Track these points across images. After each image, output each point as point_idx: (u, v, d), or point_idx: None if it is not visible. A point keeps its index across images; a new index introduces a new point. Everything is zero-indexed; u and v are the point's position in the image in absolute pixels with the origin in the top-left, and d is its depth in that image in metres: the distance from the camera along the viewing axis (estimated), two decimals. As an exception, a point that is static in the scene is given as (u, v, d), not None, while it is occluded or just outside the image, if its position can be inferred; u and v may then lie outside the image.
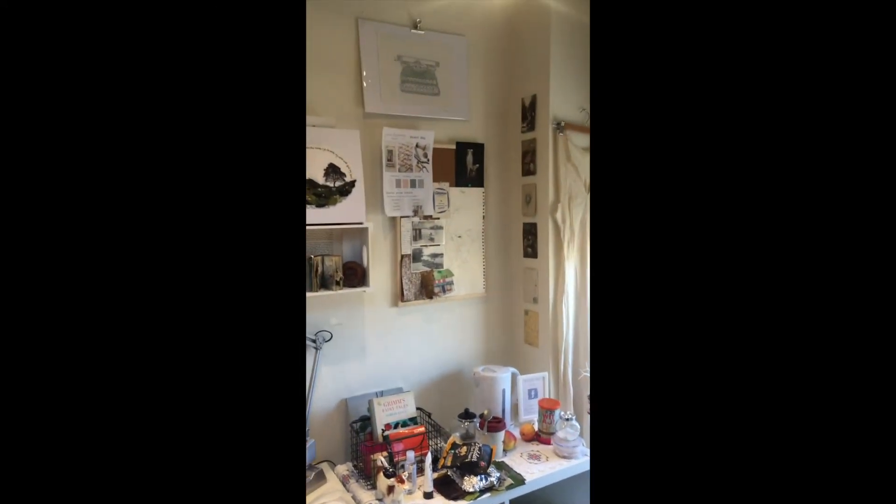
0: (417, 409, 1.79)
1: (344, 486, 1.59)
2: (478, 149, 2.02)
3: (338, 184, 1.68)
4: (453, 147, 1.97)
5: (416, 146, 1.87)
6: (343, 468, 1.69)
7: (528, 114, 1.96)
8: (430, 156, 1.89)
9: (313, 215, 1.62)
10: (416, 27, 1.85)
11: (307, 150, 1.62)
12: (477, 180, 2.03)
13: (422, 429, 1.68)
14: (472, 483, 1.52)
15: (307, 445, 1.52)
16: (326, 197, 1.65)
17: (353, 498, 1.53)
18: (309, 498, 1.51)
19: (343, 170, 1.68)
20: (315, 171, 1.63)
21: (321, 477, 1.62)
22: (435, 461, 1.60)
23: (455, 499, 1.49)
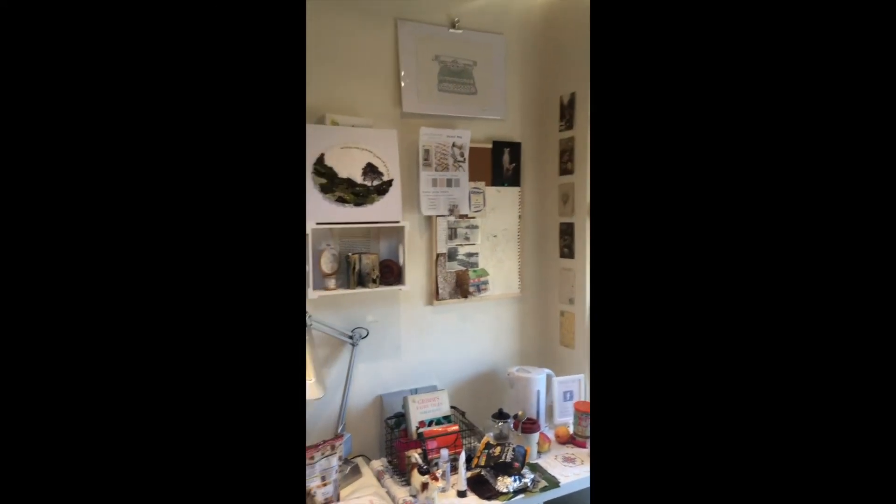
0: (451, 407, 1.79)
1: (379, 481, 1.62)
2: (514, 148, 2.00)
3: (375, 183, 1.70)
4: (490, 146, 1.96)
5: (453, 145, 1.87)
6: (378, 463, 1.71)
7: (567, 112, 1.93)
8: (466, 155, 1.89)
9: (351, 214, 1.65)
10: (454, 27, 1.85)
11: (346, 150, 1.65)
12: (513, 179, 2.01)
13: (455, 427, 1.68)
14: (505, 483, 1.51)
15: (344, 440, 1.55)
16: (364, 196, 1.68)
17: (388, 493, 1.54)
18: (345, 491, 1.54)
19: (381, 169, 1.71)
20: (354, 170, 1.66)
21: (357, 471, 1.65)
22: (468, 460, 1.60)
23: (489, 498, 1.49)
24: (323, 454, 1.46)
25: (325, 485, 1.47)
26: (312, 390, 1.38)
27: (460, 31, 1.86)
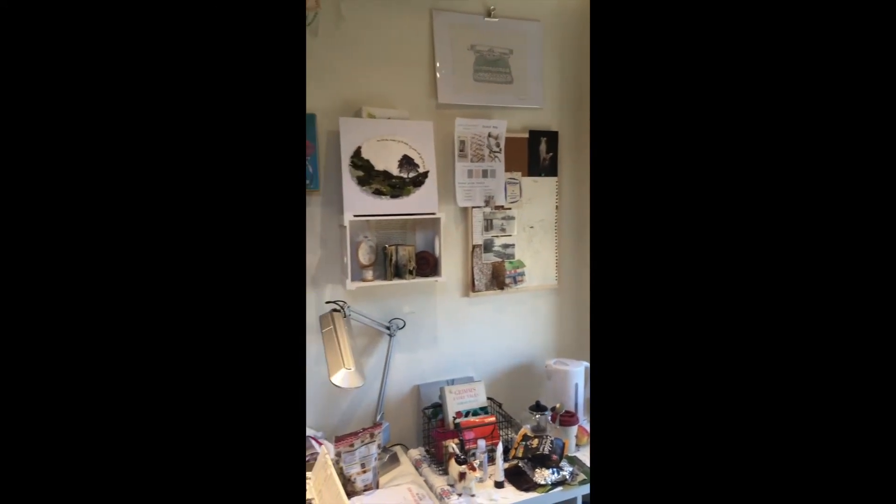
0: (488, 398, 1.79)
1: (416, 469, 1.64)
2: (551, 137, 1.97)
3: (411, 175, 1.71)
4: (526, 136, 1.93)
5: (489, 136, 1.86)
6: (415, 452, 1.73)
7: (606, 99, 1.88)
8: (502, 145, 1.87)
9: (387, 206, 1.67)
10: (489, 15, 1.82)
11: (382, 142, 1.66)
12: (550, 169, 1.98)
13: (492, 418, 1.68)
14: (543, 475, 1.50)
15: (382, 428, 1.58)
16: (400, 188, 1.69)
17: (426, 482, 1.56)
18: (384, 479, 1.57)
19: (416, 161, 1.71)
20: (390, 162, 1.67)
21: (395, 459, 1.67)
22: (506, 451, 1.60)
23: (526, 490, 1.48)
24: (363, 442, 1.49)
25: (364, 472, 1.50)
26: (352, 379, 1.41)
27: (496, 20, 1.84)
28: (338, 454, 1.45)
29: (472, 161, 1.85)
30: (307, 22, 1.60)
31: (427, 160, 1.72)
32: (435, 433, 1.67)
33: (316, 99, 1.63)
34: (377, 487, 1.53)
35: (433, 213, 1.71)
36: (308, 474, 1.23)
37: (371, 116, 1.66)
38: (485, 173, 1.87)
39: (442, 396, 1.73)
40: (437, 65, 1.77)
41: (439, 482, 1.54)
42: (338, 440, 1.46)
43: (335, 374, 1.40)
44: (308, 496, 1.12)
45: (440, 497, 1.47)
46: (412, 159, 1.71)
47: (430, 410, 1.77)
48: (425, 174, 1.72)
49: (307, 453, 1.53)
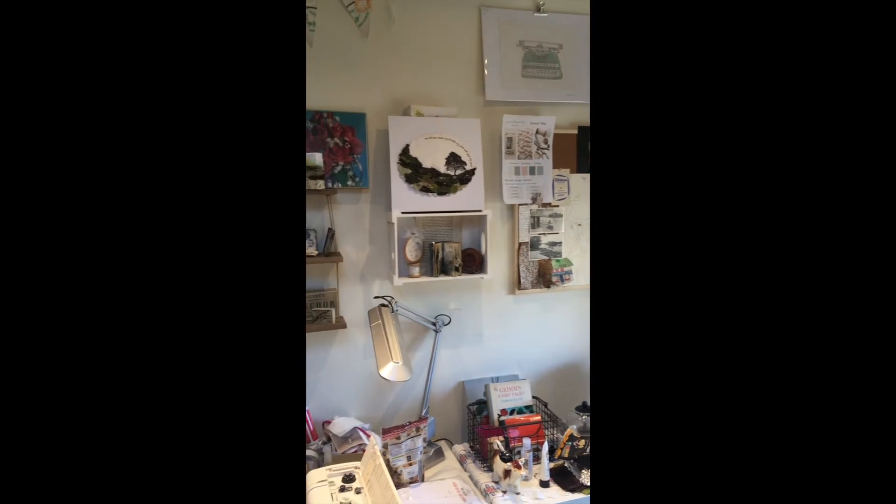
0: (533, 397, 1.78)
1: (461, 464, 1.65)
2: (601, 133, 1.92)
3: (458, 172, 1.71)
4: (575, 132, 1.90)
5: (537, 132, 1.84)
6: (460, 448, 1.75)
7: (659, 92, 1.82)
8: (550, 142, 1.85)
9: (434, 203, 1.68)
10: (538, 10, 1.81)
11: (430, 140, 1.68)
12: (599, 166, 1.94)
13: (538, 417, 1.67)
14: (590, 477, 1.47)
15: (428, 422, 1.60)
16: (447, 185, 1.70)
17: (470, 477, 1.57)
18: (428, 472, 1.59)
19: (463, 158, 1.72)
20: (437, 159, 1.69)
21: (440, 454, 1.69)
22: (551, 451, 1.58)
23: (572, 490, 1.46)
24: (409, 435, 1.52)
25: (410, 464, 1.53)
26: (400, 372, 1.44)
27: (545, 15, 1.82)
28: (385, 446, 1.48)
29: (519, 158, 1.83)
30: (358, 23, 1.64)
31: (474, 157, 1.72)
32: (479, 430, 1.68)
33: (366, 98, 1.67)
34: (422, 481, 1.55)
35: (479, 211, 1.71)
36: (357, 464, 1.27)
37: (419, 114, 1.69)
38: (532, 170, 1.85)
39: (487, 393, 1.73)
40: (486, 62, 1.77)
41: (484, 478, 1.54)
42: (385, 432, 1.49)
43: (384, 368, 1.43)
44: (357, 485, 1.16)
45: (485, 493, 1.48)
46: (459, 157, 1.71)
47: (475, 407, 1.77)
48: (472, 171, 1.72)
49: (355, 444, 1.58)
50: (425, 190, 1.68)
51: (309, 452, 1.55)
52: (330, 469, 1.23)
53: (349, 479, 1.16)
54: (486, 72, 1.78)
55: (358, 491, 1.13)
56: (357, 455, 1.51)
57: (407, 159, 1.66)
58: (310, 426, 1.64)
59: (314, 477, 1.21)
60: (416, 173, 1.67)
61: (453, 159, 1.71)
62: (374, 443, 1.24)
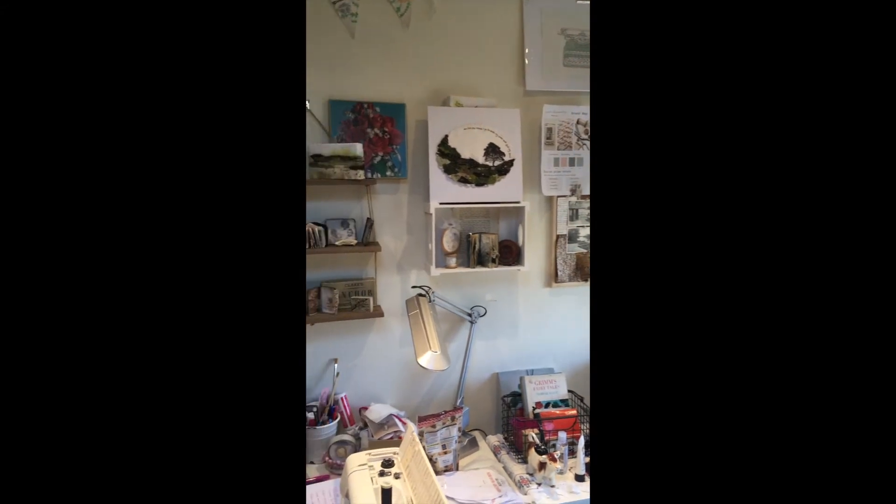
0: (569, 391, 1.77)
1: (495, 455, 1.65)
2: (644, 123, 1.87)
3: (497, 163, 1.70)
4: (616, 122, 1.85)
5: (577, 122, 1.81)
6: (494, 439, 1.75)
7: (707, 81, 1.76)
8: (590, 132, 1.81)
9: (472, 194, 1.68)
10: (581, -3, 1.77)
11: (469, 131, 1.67)
12: (641, 157, 1.89)
13: (574, 412, 1.66)
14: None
15: (463, 412, 1.61)
16: (486, 176, 1.69)
17: (505, 468, 1.57)
18: (463, 461, 1.60)
19: (502, 149, 1.71)
20: (476, 150, 1.68)
21: (474, 444, 1.70)
22: (587, 446, 1.57)
23: (609, 487, 1.45)
24: (444, 424, 1.53)
25: (445, 453, 1.54)
26: (438, 361, 1.45)
27: (587, 2, 1.77)
28: (420, 433, 1.50)
29: (558, 149, 1.81)
30: (399, 14, 1.64)
31: (513, 148, 1.71)
32: (514, 421, 1.68)
33: (405, 89, 1.67)
34: (457, 469, 1.56)
35: (517, 202, 1.70)
36: (395, 450, 1.29)
37: (458, 105, 1.68)
38: (571, 161, 1.82)
39: (522, 386, 1.72)
40: (526, 51, 1.75)
41: (518, 470, 1.54)
42: (421, 420, 1.51)
43: (422, 356, 1.45)
44: (396, 470, 1.18)
45: (519, 484, 1.48)
46: (498, 147, 1.70)
47: (510, 398, 1.77)
48: (511, 162, 1.71)
49: (390, 431, 1.60)
50: (463, 181, 1.68)
51: (346, 437, 1.58)
52: (369, 454, 1.26)
53: (388, 464, 1.18)
54: (526, 61, 1.75)
55: (397, 476, 1.15)
56: (393, 441, 1.54)
57: (445, 150, 1.66)
58: (347, 411, 1.68)
59: (354, 461, 1.24)
60: (455, 164, 1.67)
61: (492, 150, 1.70)
62: (412, 429, 1.26)
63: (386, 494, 1.05)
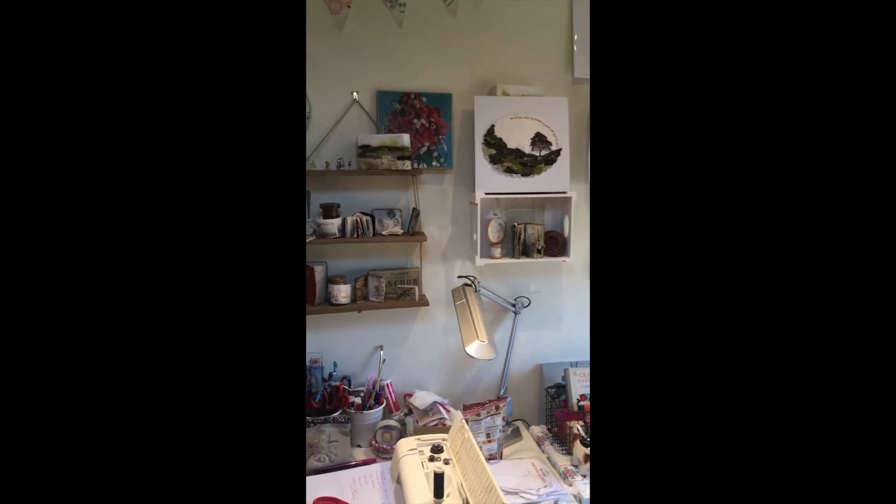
0: (614, 384, 1.74)
1: (538, 446, 1.65)
2: (696, 111, 1.81)
3: (543, 152, 1.69)
4: (667, 110, 1.80)
5: (626, 111, 1.76)
6: (537, 429, 1.75)
7: (766, 66, 1.68)
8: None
9: (518, 184, 1.67)
10: (633, -19, 1.71)
11: (516, 120, 1.66)
12: (693, 146, 1.83)
13: (619, 405, 1.64)
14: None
15: (507, 402, 1.61)
16: (532, 166, 1.68)
17: (549, 459, 1.58)
18: (506, 451, 1.61)
19: (549, 138, 1.69)
20: (522, 140, 1.67)
21: (517, 434, 1.71)
22: (634, 439, 1.55)
23: (657, 481, 1.43)
24: (488, 413, 1.54)
25: (489, 441, 1.55)
26: (485, 351, 1.46)
27: (640, -15, 1.72)
28: (464, 421, 1.51)
29: (606, 138, 1.77)
30: (447, 3, 1.63)
31: (560, 138, 1.68)
32: (559, 413, 1.67)
33: (452, 79, 1.67)
34: (500, 458, 1.57)
35: (564, 192, 1.68)
36: (444, 436, 1.31)
37: (505, 94, 1.67)
38: (620, 151, 1.78)
39: (566, 378, 1.71)
40: (575, 38, 1.71)
41: (562, 461, 1.54)
42: (465, 408, 1.53)
43: (469, 345, 1.46)
44: (445, 456, 1.20)
45: (564, 476, 1.48)
46: (545, 137, 1.68)
47: (554, 390, 1.76)
48: (557, 152, 1.69)
49: (435, 418, 1.63)
50: (509, 171, 1.67)
51: (392, 422, 1.62)
52: (419, 439, 1.28)
53: (437, 449, 1.20)
54: (574, 48, 1.72)
55: (446, 462, 1.17)
56: (438, 428, 1.56)
57: (492, 140, 1.66)
58: (392, 398, 1.71)
59: (404, 445, 1.27)
60: (501, 154, 1.66)
61: (539, 139, 1.68)
62: (461, 418, 1.27)
63: (438, 479, 1.07)
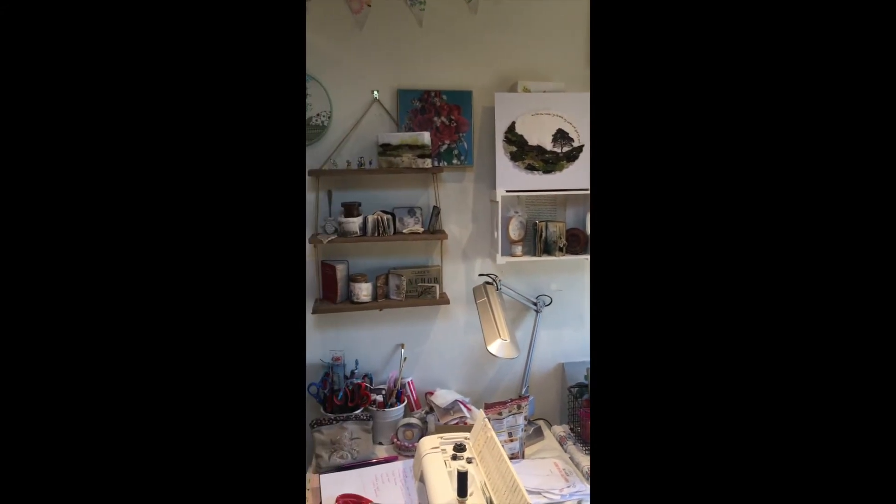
0: (638, 384, 1.72)
1: (561, 445, 1.64)
2: (722, 105, 1.77)
3: (565, 149, 1.67)
4: (692, 105, 1.76)
5: (650, 106, 1.73)
6: (559, 429, 1.74)
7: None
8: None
9: (540, 181, 1.65)
10: (657, -27, 1.68)
11: (537, 117, 1.64)
12: (719, 141, 1.79)
13: (644, 405, 1.61)
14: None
15: (529, 401, 1.60)
16: (553, 163, 1.66)
17: (571, 459, 1.56)
18: (528, 450, 1.60)
19: (571, 135, 1.66)
20: (544, 136, 1.65)
21: (539, 433, 1.69)
22: (659, 440, 1.53)
23: (683, 483, 1.40)
24: (510, 411, 1.53)
25: (511, 441, 1.54)
26: (508, 349, 1.45)
27: (664, -23, 1.69)
28: (487, 420, 1.51)
29: (629, 134, 1.74)
30: (467, 0, 1.63)
31: (582, 134, 1.66)
32: (582, 413, 1.66)
33: (472, 76, 1.66)
34: (523, 457, 1.57)
35: (586, 190, 1.66)
36: (466, 435, 1.31)
37: (526, 90, 1.65)
38: (643, 147, 1.75)
39: (588, 377, 1.69)
40: (597, 32, 1.69)
41: (585, 461, 1.52)
42: (487, 407, 1.52)
43: (492, 344, 1.45)
44: (468, 455, 1.19)
45: (587, 476, 1.46)
46: (567, 133, 1.66)
47: (576, 389, 1.74)
48: (580, 148, 1.67)
49: (456, 416, 1.62)
50: (530, 168, 1.65)
51: (413, 420, 1.62)
52: (441, 437, 1.28)
53: (460, 448, 1.20)
54: (596, 43, 1.69)
55: (469, 460, 1.17)
56: (459, 427, 1.56)
57: (512, 137, 1.64)
58: (413, 395, 1.71)
59: (427, 443, 1.27)
60: (522, 151, 1.65)
61: (560, 136, 1.66)
62: (483, 417, 1.27)
63: (462, 477, 1.07)
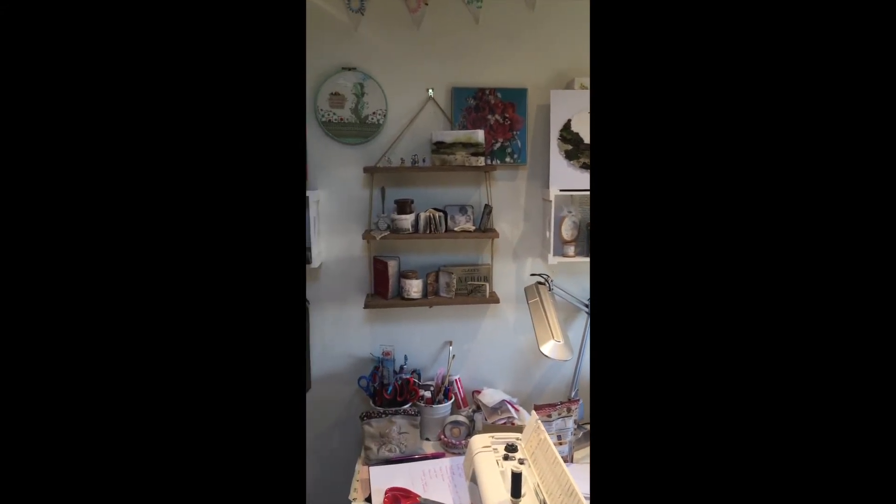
0: (693, 392, 1.66)
1: (611, 451, 1.60)
2: (793, 102, 1.68)
3: (622, 148, 1.62)
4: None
5: (714, 103, 1.66)
6: (609, 434, 1.70)
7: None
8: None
9: (586, 180, 1.61)
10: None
11: (582, 114, 1.61)
12: (788, 140, 1.70)
13: (700, 414, 1.55)
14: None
15: (578, 404, 1.57)
16: (610, 162, 1.62)
17: (622, 466, 1.52)
18: (577, 454, 1.57)
19: (629, 133, 1.62)
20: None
21: (588, 437, 1.66)
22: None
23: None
24: (560, 414, 1.51)
25: (560, 444, 1.52)
26: (561, 351, 1.43)
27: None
28: (539, 422, 1.49)
29: (690, 132, 1.68)
30: (524, -5, 1.61)
31: (641, 132, 1.61)
32: (633, 418, 1.61)
33: (528, 73, 1.64)
34: (571, 461, 1.54)
35: (643, 189, 1.61)
36: (517, 435, 1.29)
37: (583, 87, 1.62)
38: (705, 146, 1.68)
39: (641, 382, 1.65)
40: (659, 27, 1.63)
41: (638, 469, 1.48)
42: (536, 408, 1.50)
43: (544, 345, 1.44)
44: (520, 456, 1.18)
45: (639, 484, 1.42)
46: (624, 131, 1.62)
47: (627, 395, 1.70)
48: (638, 147, 1.62)
49: (503, 416, 1.61)
50: (585, 166, 1.62)
51: (460, 418, 1.62)
52: (492, 436, 1.28)
53: (511, 448, 1.19)
54: (658, 38, 1.64)
55: (521, 461, 1.16)
56: (506, 427, 1.55)
57: (568, 135, 1.61)
58: (461, 393, 1.71)
59: (478, 442, 1.26)
60: (577, 149, 1.62)
61: (617, 134, 1.62)
62: (536, 418, 1.25)
63: (516, 478, 1.06)
